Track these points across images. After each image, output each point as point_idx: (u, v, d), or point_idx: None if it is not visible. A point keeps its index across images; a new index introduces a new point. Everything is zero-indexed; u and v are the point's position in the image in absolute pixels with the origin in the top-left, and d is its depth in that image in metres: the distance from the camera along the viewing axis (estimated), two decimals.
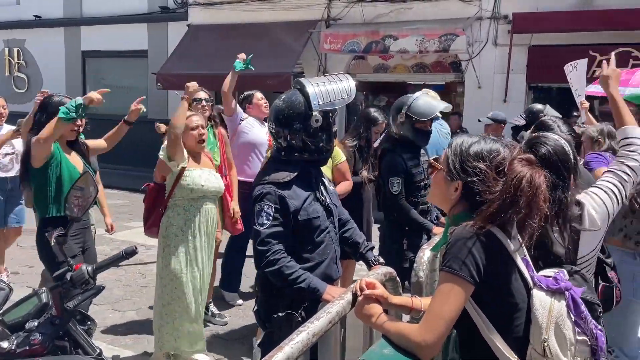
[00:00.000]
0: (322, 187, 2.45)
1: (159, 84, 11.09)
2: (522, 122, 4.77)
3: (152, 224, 3.53)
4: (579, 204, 1.99)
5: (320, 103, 2.29)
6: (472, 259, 1.49)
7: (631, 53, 8.75)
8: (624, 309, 2.83)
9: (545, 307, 1.51)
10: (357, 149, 4.32)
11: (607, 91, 2.25)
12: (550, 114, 4.44)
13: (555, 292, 1.53)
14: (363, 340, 2.14)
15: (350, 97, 2.33)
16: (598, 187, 2.07)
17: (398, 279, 2.29)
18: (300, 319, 2.22)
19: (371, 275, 2.05)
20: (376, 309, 1.70)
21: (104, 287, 2.24)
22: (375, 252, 2.79)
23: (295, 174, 2.31)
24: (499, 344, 1.52)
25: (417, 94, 3.66)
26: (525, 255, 1.62)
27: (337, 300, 1.78)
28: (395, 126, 3.61)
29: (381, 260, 2.64)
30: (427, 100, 3.56)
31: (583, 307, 1.52)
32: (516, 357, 1.51)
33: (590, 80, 7.01)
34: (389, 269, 2.24)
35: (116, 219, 6.94)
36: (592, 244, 1.99)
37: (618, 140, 2.17)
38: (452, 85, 11.20)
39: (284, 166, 2.34)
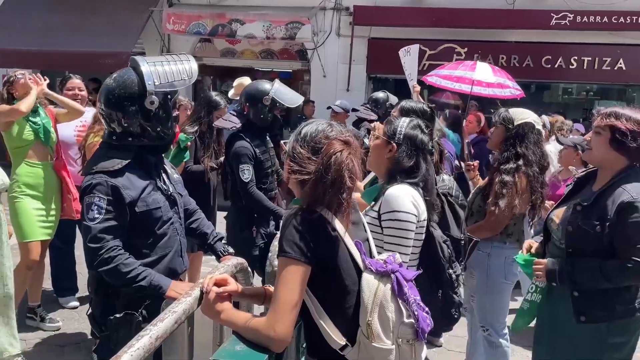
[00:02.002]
0: (164, 176, 2.27)
1: None
2: (374, 116, 4.92)
3: None
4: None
5: (157, 83, 2.10)
6: (302, 239, 1.50)
7: (455, 49, 9.72)
8: (496, 290, 3.04)
9: (372, 289, 1.53)
10: (198, 135, 4.15)
11: None
12: (391, 100, 4.73)
13: (383, 274, 1.56)
14: (213, 335, 2.05)
15: (191, 79, 2.18)
16: None
17: (249, 268, 2.23)
18: (140, 318, 2.05)
19: (221, 268, 1.97)
20: (224, 304, 1.63)
21: None
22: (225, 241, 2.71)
23: (128, 161, 2.10)
24: (327, 327, 1.54)
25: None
26: (359, 240, 1.64)
27: (183, 298, 1.66)
28: (250, 111, 3.54)
29: (231, 250, 2.55)
30: (285, 89, 3.63)
31: (406, 289, 1.55)
32: (344, 340, 1.54)
33: (422, 72, 7.62)
34: (240, 260, 2.17)
35: None
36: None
37: None
38: (299, 73, 11.41)
39: (116, 153, 2.12)
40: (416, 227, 2.10)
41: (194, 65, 2.21)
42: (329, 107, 7.03)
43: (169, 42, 10.65)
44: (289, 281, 1.48)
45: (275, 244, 2.58)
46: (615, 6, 9.18)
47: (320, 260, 1.52)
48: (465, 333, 3.58)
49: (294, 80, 11.36)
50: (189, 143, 3.89)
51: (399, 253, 1.74)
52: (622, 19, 9.12)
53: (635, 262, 2.03)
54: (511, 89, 6.40)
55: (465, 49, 9.54)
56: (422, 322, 1.54)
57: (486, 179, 3.17)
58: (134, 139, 2.14)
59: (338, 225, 1.57)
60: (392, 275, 1.55)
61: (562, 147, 4.46)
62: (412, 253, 2.14)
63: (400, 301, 1.54)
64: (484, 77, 6.04)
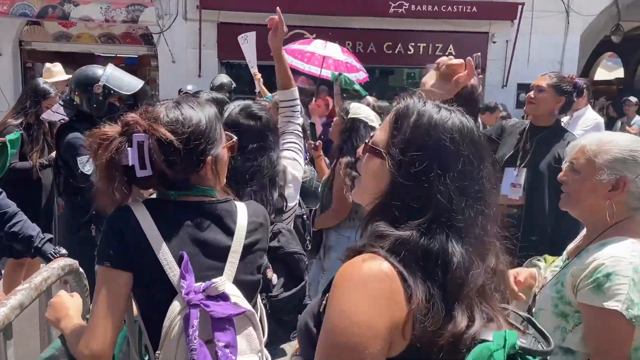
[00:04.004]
0: None
1: None
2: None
3: None
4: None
5: None
6: (112, 243, 1.30)
7: (304, 35, 9.91)
8: None
9: (170, 317, 1.29)
10: (24, 127, 3.73)
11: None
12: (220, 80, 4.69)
13: (188, 303, 1.28)
14: (41, 346, 1.87)
15: None
16: (290, 150, 2.26)
17: (82, 270, 2.07)
18: None
19: (44, 272, 1.79)
20: (64, 311, 1.47)
21: None
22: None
23: None
24: (144, 339, 1.38)
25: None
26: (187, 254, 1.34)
27: None
28: (82, 100, 3.23)
29: (63, 251, 2.35)
30: (121, 74, 3.36)
31: (191, 331, 1.25)
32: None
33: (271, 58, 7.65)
34: (70, 261, 2.01)
35: None
36: (294, 197, 2.21)
37: (281, 100, 2.34)
38: (146, 58, 10.83)
39: None
40: None
41: None
42: (185, 92, 7.12)
43: None
44: (102, 292, 1.27)
45: None
46: None
47: (134, 266, 1.30)
48: None
49: (140, 65, 10.77)
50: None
51: None
52: (450, 8, 10.02)
53: None
54: (358, 72, 6.61)
55: (314, 35, 9.76)
56: None
57: (330, 170, 3.30)
58: None
59: (153, 234, 1.31)
60: (189, 310, 1.26)
61: None
62: None
63: (187, 335, 1.25)
64: (328, 53, 6.12)
